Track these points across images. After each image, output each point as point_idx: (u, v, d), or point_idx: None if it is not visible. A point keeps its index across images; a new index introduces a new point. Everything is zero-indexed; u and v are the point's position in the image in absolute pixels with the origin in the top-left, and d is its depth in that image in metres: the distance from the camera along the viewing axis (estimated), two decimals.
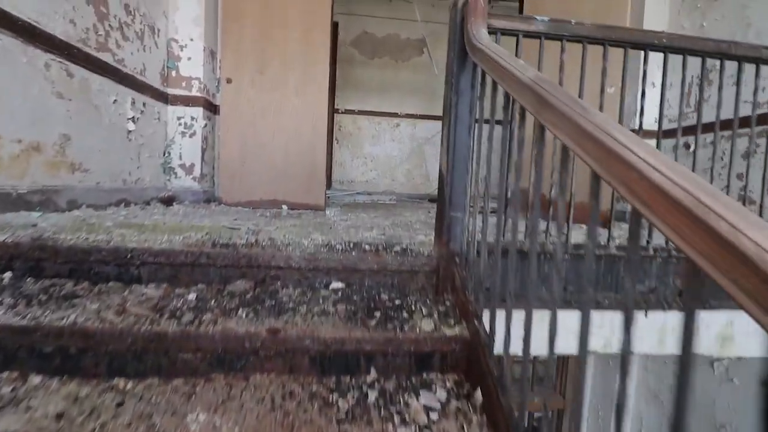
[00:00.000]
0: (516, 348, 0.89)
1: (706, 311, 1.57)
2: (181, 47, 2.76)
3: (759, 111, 2.03)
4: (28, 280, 1.24)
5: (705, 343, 1.65)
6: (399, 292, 1.36)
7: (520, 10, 3.25)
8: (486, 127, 1.17)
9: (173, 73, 2.75)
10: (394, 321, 1.16)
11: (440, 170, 1.38)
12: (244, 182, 3.00)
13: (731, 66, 1.61)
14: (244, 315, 1.13)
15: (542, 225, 1.43)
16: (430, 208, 3.76)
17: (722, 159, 2.69)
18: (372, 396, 1.00)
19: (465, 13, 1.22)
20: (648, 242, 1.61)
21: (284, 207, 3.05)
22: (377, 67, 5.78)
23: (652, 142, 2.44)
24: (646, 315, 1.58)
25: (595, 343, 1.59)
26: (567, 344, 0.90)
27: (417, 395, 1.01)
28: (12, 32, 1.52)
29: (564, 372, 4.17)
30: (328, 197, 3.85)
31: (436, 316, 1.21)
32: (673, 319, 1.60)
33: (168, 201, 2.59)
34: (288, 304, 1.22)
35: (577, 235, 1.91)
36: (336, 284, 1.35)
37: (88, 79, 1.94)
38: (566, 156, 0.72)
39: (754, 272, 0.35)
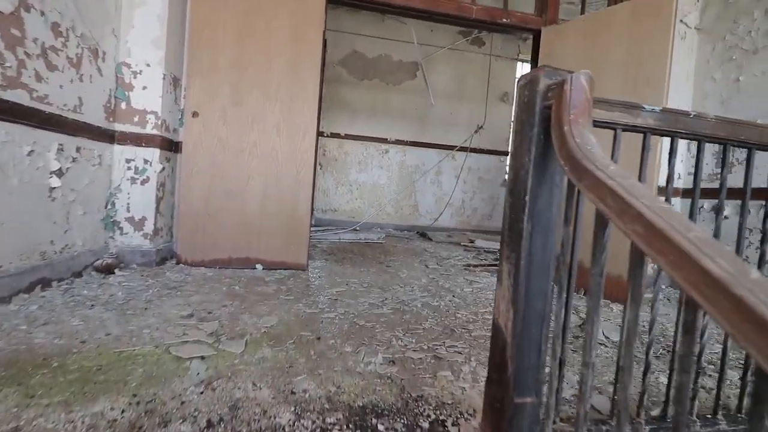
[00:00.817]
0: None
1: None
2: (135, 74, 2.20)
3: None
4: None
5: None
6: None
7: (534, 60, 2.86)
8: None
9: (123, 105, 2.19)
10: None
11: (495, 325, 0.91)
12: (210, 237, 2.45)
13: None
14: None
15: None
16: (426, 258, 3.31)
17: None
18: None
19: (558, 105, 0.76)
20: None
21: (258, 266, 2.51)
22: (367, 89, 5.31)
23: None
24: None
25: None
26: None
27: None
28: None
29: None
30: (309, 239, 3.34)
31: None
32: None
33: (107, 269, 2.01)
34: None
35: None
36: None
37: None
38: None
39: None
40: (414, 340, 1.51)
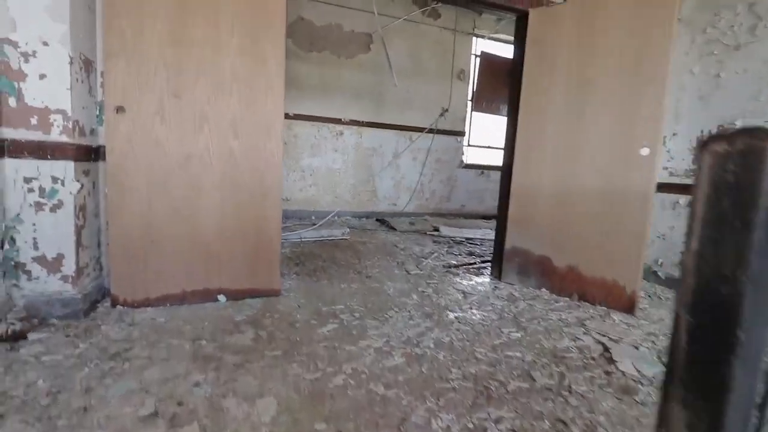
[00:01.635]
0: None
1: None
2: (26, 56, 1.54)
3: None
4: None
5: None
6: None
7: (519, 44, 2.56)
8: None
9: (11, 102, 1.53)
10: None
11: None
12: (155, 268, 1.92)
13: None
14: None
15: None
16: (402, 258, 3.02)
17: None
18: None
19: None
20: None
21: (221, 298, 2.05)
22: (316, 62, 4.71)
23: None
24: None
25: None
26: None
27: None
28: None
29: None
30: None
31: None
32: None
33: (15, 336, 1.45)
34: None
35: None
36: None
37: None
38: None
39: None
40: (454, 415, 1.23)
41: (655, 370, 1.57)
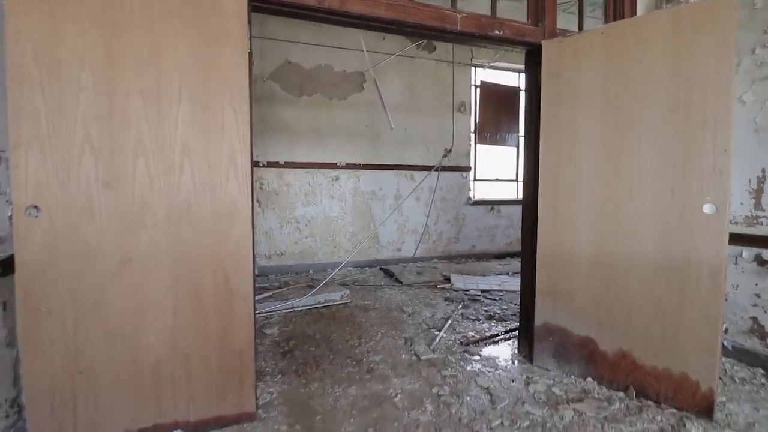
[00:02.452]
0: None
1: None
2: None
3: None
4: None
5: None
6: None
7: (531, 81, 2.13)
8: None
9: None
10: None
11: None
12: (88, 406, 1.45)
13: None
14: None
15: None
16: (410, 333, 2.50)
17: None
18: None
19: None
20: None
21: None
22: (306, 106, 4.36)
23: None
24: None
25: None
26: None
27: None
28: None
29: None
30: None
31: None
32: None
33: None
34: None
35: None
36: None
37: None
38: None
39: None
40: None
41: None
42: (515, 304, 3.28)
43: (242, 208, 1.62)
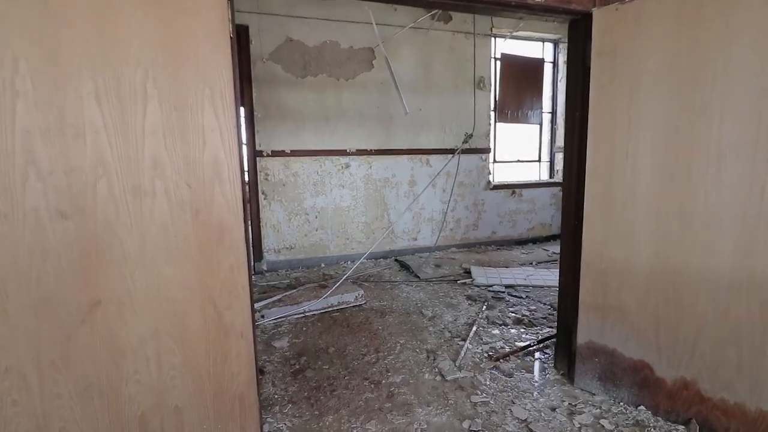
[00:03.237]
0: None
1: None
2: None
3: None
4: None
5: None
6: None
7: (577, 54, 1.73)
8: None
9: None
10: None
11: None
12: None
13: None
14: None
15: None
16: (432, 342, 2.24)
17: None
18: None
19: None
20: None
21: None
22: (311, 88, 3.99)
23: None
24: None
25: None
26: None
27: None
28: None
29: None
30: (258, 321, 2.07)
31: None
32: None
33: None
34: None
35: None
36: None
37: None
38: None
39: None
40: None
41: None
42: (544, 304, 2.98)
43: (233, 230, 1.34)
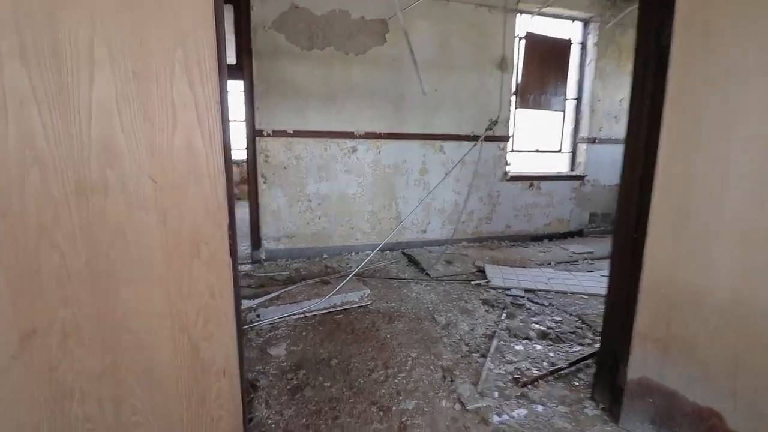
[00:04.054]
0: None
1: None
2: None
3: None
4: None
5: None
6: None
7: (649, 17, 1.38)
8: None
9: None
10: None
11: None
12: None
13: None
14: None
15: None
16: (447, 358, 1.95)
17: None
18: None
19: None
20: None
21: None
22: (318, 62, 3.59)
23: None
24: None
25: None
26: None
27: None
28: None
29: None
30: (253, 322, 1.78)
31: None
32: None
33: None
34: None
35: None
36: None
37: None
38: None
39: None
40: None
41: None
42: (570, 314, 2.69)
43: (213, 241, 1.01)
